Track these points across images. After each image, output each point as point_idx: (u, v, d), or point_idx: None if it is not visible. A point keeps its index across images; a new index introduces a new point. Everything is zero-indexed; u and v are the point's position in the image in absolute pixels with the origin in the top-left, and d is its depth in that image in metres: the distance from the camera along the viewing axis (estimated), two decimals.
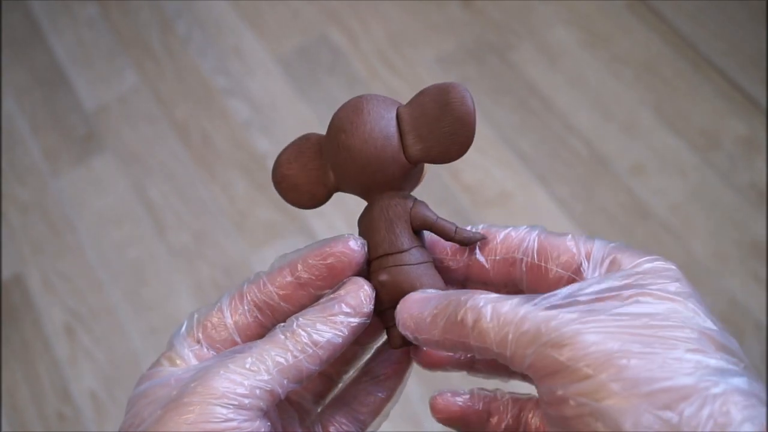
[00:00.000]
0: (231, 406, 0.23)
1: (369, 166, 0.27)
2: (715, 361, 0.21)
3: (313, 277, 0.27)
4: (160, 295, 0.87)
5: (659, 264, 0.24)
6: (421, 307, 0.26)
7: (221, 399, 0.23)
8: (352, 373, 0.30)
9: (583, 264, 0.25)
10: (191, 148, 0.97)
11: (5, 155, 1.00)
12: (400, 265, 0.27)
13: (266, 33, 1.04)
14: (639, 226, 0.84)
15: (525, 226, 0.27)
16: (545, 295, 0.24)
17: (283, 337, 0.25)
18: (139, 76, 1.03)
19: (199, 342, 0.27)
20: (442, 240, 0.28)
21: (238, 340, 0.27)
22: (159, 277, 0.88)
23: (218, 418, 0.23)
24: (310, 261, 0.26)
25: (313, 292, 0.27)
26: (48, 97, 1.04)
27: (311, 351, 0.25)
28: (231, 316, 0.27)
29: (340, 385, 0.30)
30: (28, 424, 0.82)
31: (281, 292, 0.27)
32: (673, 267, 0.25)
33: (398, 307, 0.26)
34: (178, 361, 0.27)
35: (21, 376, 0.85)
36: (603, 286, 0.24)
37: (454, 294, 0.25)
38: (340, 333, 0.25)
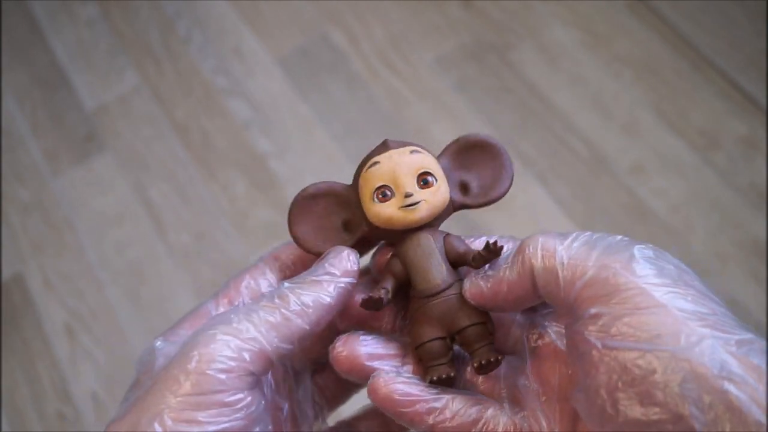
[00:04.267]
0: (221, 371, 0.22)
1: None
2: (714, 317, 0.22)
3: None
4: (160, 295, 0.87)
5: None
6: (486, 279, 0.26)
7: (210, 363, 0.22)
8: None
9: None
10: (191, 148, 0.97)
11: (5, 155, 1.00)
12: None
13: (266, 33, 1.04)
14: (639, 226, 0.84)
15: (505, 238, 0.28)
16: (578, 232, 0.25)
17: (270, 297, 0.25)
18: (139, 76, 1.03)
19: (233, 301, 0.27)
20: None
21: None
22: (159, 277, 0.88)
23: (208, 388, 0.22)
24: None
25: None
26: (48, 97, 1.04)
27: (298, 308, 0.24)
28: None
29: None
30: (28, 424, 0.82)
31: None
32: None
33: (466, 279, 0.26)
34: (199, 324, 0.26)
35: (21, 376, 0.85)
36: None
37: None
38: (326, 293, 0.25)
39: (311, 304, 0.25)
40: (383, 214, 0.26)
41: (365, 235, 0.27)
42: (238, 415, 0.22)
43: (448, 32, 1.00)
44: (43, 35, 1.09)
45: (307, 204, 0.27)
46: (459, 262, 0.27)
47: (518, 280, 0.24)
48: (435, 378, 0.26)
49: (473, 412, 0.25)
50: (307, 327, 0.24)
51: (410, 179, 0.26)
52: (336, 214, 0.27)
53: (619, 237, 0.24)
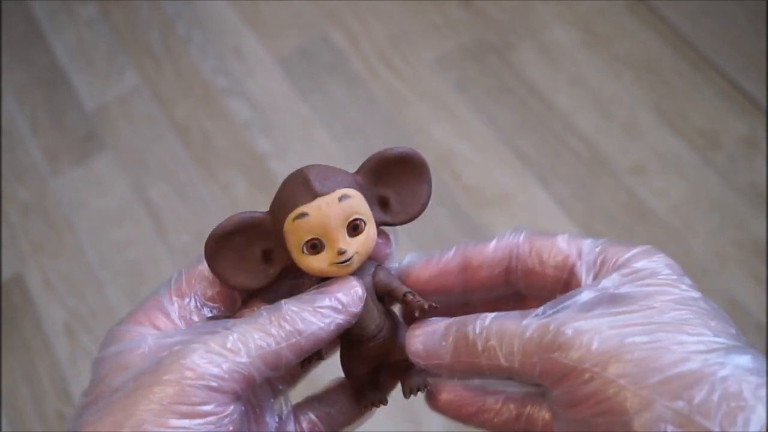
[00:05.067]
0: (207, 389, 0.22)
1: None
2: (718, 339, 0.21)
3: None
4: None
5: (649, 256, 0.24)
6: (429, 334, 0.26)
7: (198, 380, 0.22)
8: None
9: (576, 265, 0.25)
10: (191, 148, 0.97)
11: (5, 155, 1.00)
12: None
13: (266, 33, 1.04)
14: (639, 226, 0.84)
15: (509, 231, 0.27)
16: (548, 304, 0.24)
17: (268, 320, 0.24)
18: (139, 76, 1.03)
19: (185, 296, 0.26)
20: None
21: (236, 295, 0.27)
22: (159, 277, 0.88)
23: (193, 400, 0.22)
24: None
25: None
26: (48, 97, 1.04)
27: (294, 340, 0.24)
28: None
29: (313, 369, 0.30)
30: (28, 424, 0.82)
31: None
32: (662, 254, 0.25)
33: (407, 336, 0.26)
34: (158, 322, 0.26)
35: (21, 376, 0.85)
36: (599, 287, 0.24)
37: (460, 318, 0.25)
38: (325, 327, 0.25)
39: (307, 336, 0.24)
40: (314, 266, 0.26)
41: (288, 266, 0.27)
42: (220, 424, 0.23)
43: (448, 32, 1.00)
44: (43, 35, 1.09)
45: (225, 239, 0.26)
46: (388, 296, 0.27)
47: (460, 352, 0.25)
48: (369, 404, 0.28)
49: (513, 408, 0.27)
50: (296, 359, 0.24)
51: (341, 231, 0.25)
52: (255, 245, 0.26)
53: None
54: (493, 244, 0.27)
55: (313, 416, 0.29)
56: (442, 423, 0.75)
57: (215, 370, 0.22)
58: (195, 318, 0.26)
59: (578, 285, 0.25)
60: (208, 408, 0.22)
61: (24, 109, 1.04)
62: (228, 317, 0.27)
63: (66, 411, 0.83)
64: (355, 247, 0.26)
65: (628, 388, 0.20)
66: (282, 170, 0.92)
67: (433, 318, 0.26)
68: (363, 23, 1.02)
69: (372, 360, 0.27)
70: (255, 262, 0.27)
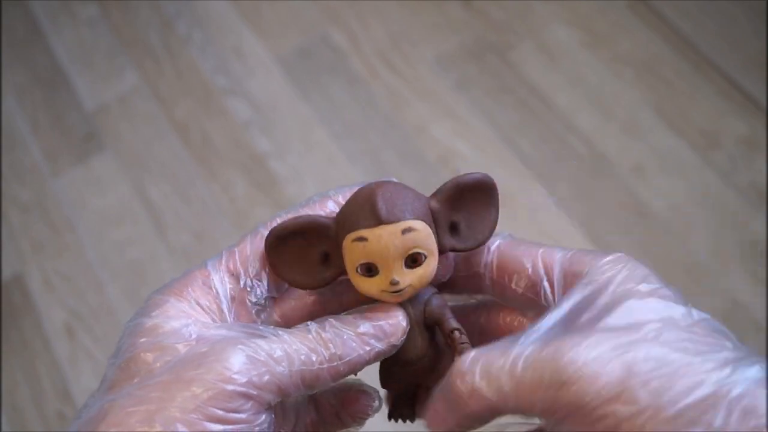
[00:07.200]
0: (244, 396, 0.22)
1: None
2: (723, 355, 0.21)
3: None
4: None
5: (621, 264, 0.24)
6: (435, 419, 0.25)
7: (237, 386, 0.22)
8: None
9: (543, 284, 0.25)
10: (191, 148, 0.97)
11: (5, 155, 1.00)
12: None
13: (266, 33, 1.04)
14: (639, 226, 0.84)
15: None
16: (527, 332, 0.23)
17: (314, 337, 0.24)
18: (139, 76, 1.03)
19: (235, 274, 0.26)
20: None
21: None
22: (159, 277, 0.88)
23: (229, 405, 0.22)
24: None
25: None
26: (48, 97, 1.04)
27: (335, 363, 0.24)
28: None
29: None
30: (28, 424, 0.82)
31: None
32: (635, 262, 0.24)
33: (428, 408, 0.25)
34: (203, 300, 0.25)
35: (21, 376, 0.85)
36: (574, 300, 0.23)
37: (445, 385, 0.24)
38: (365, 354, 0.24)
39: (347, 362, 0.24)
40: (365, 289, 0.25)
41: (343, 272, 0.26)
42: (254, 430, 0.22)
43: (449, 32, 0.99)
44: (43, 35, 1.09)
45: (287, 237, 0.26)
46: (436, 325, 0.27)
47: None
48: (397, 417, 0.28)
49: None
50: (332, 381, 0.24)
51: (398, 263, 0.25)
52: (315, 247, 0.26)
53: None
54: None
55: (307, 420, 0.28)
56: None
57: (256, 379, 0.22)
58: (246, 298, 0.26)
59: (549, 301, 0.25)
60: (241, 416, 0.22)
61: (24, 109, 1.04)
62: (274, 299, 0.27)
63: (66, 411, 0.82)
64: (410, 279, 0.25)
65: (646, 426, 0.19)
66: (282, 170, 0.92)
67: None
68: (363, 23, 1.02)
69: (408, 381, 0.27)
70: (313, 263, 0.26)
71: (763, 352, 0.75)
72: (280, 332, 0.24)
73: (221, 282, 0.26)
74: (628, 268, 0.24)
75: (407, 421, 0.28)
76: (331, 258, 0.26)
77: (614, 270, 0.23)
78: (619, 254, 0.24)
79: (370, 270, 0.25)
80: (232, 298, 0.26)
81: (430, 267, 0.25)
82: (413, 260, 0.25)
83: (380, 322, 0.25)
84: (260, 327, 0.24)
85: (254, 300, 0.26)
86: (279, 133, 0.96)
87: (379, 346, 0.24)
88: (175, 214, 0.93)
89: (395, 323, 0.25)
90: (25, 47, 1.09)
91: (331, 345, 0.24)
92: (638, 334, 0.21)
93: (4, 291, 0.90)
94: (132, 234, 0.92)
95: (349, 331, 0.24)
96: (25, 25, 1.11)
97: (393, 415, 0.29)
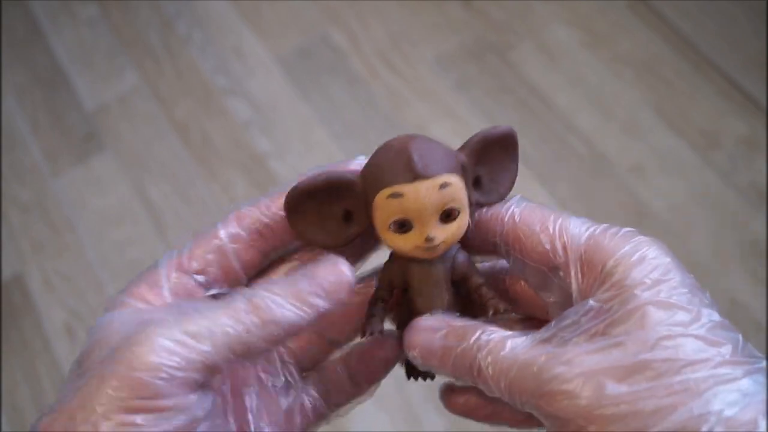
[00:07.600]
0: (161, 380, 0.20)
1: None
2: (726, 370, 0.20)
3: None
4: None
5: (640, 263, 0.23)
6: (428, 337, 0.25)
7: (149, 372, 0.20)
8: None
9: (559, 264, 0.25)
10: (191, 148, 0.97)
11: (5, 155, 1.00)
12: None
13: (266, 33, 1.04)
14: (639, 226, 0.83)
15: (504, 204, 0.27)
16: (543, 330, 0.23)
17: (242, 306, 0.22)
18: (139, 76, 1.03)
19: (186, 272, 0.25)
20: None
21: (236, 265, 0.25)
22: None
23: (148, 393, 0.20)
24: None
25: None
26: (48, 97, 1.04)
27: (269, 329, 0.22)
28: (229, 241, 0.26)
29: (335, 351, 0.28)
30: (28, 424, 0.82)
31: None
32: (655, 249, 0.23)
33: (405, 336, 0.25)
34: (150, 296, 0.25)
35: (21, 376, 0.85)
36: (587, 308, 0.23)
37: (461, 329, 0.24)
38: (304, 315, 0.23)
39: (283, 325, 0.22)
40: (397, 245, 0.25)
41: (366, 229, 0.26)
42: (181, 416, 0.21)
43: (448, 32, 1.00)
44: (43, 35, 1.09)
45: (309, 195, 0.25)
46: (462, 280, 0.27)
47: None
48: (417, 377, 0.28)
49: None
50: (271, 347, 0.23)
51: (434, 218, 0.24)
52: (337, 204, 0.26)
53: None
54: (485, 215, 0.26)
55: (314, 392, 0.28)
56: (442, 423, 0.75)
57: (169, 361, 0.21)
58: (195, 296, 0.25)
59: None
60: (167, 402, 0.21)
61: (24, 109, 1.04)
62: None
63: None
64: (444, 235, 0.25)
65: None
66: (282, 170, 0.93)
67: (437, 314, 0.26)
68: (363, 23, 1.02)
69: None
70: (335, 221, 0.26)
71: (764, 352, 0.75)
72: (205, 305, 0.23)
73: (167, 280, 0.25)
74: (650, 262, 0.23)
75: (426, 380, 0.28)
76: (354, 215, 0.26)
77: (635, 271, 0.23)
78: (640, 238, 0.24)
79: (403, 226, 0.24)
80: (177, 295, 0.25)
81: (463, 222, 0.25)
82: (447, 215, 0.24)
83: (321, 280, 0.23)
84: (188, 305, 0.23)
85: (204, 295, 0.26)
86: (279, 133, 0.96)
87: (322, 303, 0.23)
88: (175, 214, 0.93)
89: (338, 278, 0.23)
90: (25, 47, 1.09)
91: (261, 312, 0.22)
92: (637, 346, 0.21)
93: (4, 291, 0.90)
94: (132, 234, 0.92)
95: (283, 293, 0.23)
96: (25, 25, 1.11)
97: (411, 373, 0.28)
